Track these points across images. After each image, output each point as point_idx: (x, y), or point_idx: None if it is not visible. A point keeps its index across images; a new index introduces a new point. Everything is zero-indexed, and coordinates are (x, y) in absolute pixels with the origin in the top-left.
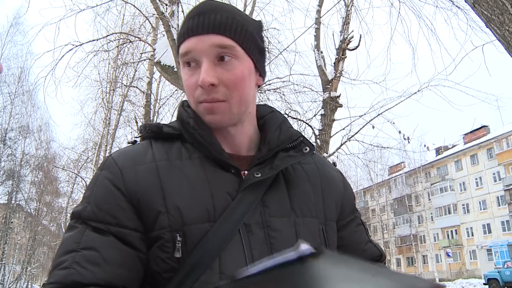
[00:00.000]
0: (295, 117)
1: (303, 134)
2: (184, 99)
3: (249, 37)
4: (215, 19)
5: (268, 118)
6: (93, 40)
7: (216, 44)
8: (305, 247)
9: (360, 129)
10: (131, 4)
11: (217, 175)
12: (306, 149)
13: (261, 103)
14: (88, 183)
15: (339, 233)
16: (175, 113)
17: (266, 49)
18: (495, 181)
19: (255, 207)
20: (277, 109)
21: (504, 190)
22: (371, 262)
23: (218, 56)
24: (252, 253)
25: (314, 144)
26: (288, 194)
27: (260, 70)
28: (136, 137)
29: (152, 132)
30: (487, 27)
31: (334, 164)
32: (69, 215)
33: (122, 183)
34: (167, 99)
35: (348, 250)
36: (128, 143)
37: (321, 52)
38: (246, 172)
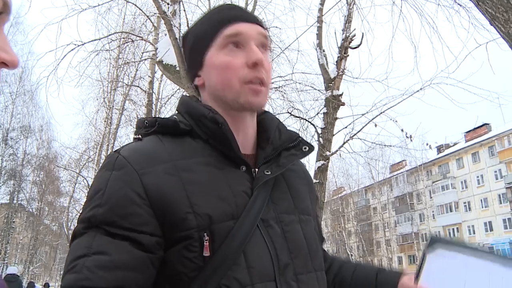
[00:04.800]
0: (297, 115)
1: (305, 132)
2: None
3: None
4: (254, 14)
5: (264, 119)
6: (95, 40)
7: (262, 33)
8: None
9: (363, 127)
10: (132, 3)
11: (233, 173)
12: (305, 148)
13: None
14: (91, 181)
15: None
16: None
17: None
18: (497, 179)
19: (267, 203)
20: (279, 108)
21: (506, 188)
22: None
23: (260, 44)
24: (274, 246)
25: (317, 142)
26: (290, 193)
27: None
28: (142, 133)
29: (165, 127)
30: (491, 24)
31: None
32: (70, 214)
33: (140, 185)
34: (169, 98)
35: None
36: (135, 138)
37: (323, 51)
38: (256, 170)
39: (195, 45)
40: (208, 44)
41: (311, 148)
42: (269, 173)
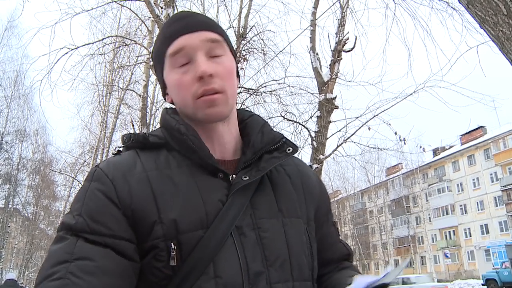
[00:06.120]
0: (291, 119)
1: (299, 136)
2: None
3: (228, 37)
4: (200, 19)
5: (248, 122)
6: (89, 44)
7: (207, 38)
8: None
9: (356, 130)
10: (127, 7)
11: (207, 181)
12: (289, 149)
13: (258, 105)
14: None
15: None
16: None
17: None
18: (493, 181)
19: (245, 209)
20: (273, 111)
21: (502, 190)
22: (341, 261)
23: (210, 50)
24: (245, 254)
25: (310, 146)
26: (275, 196)
27: (238, 71)
28: (120, 147)
29: (138, 142)
30: (481, 27)
31: (311, 166)
32: None
33: (115, 194)
34: (164, 102)
35: (320, 250)
36: (113, 153)
37: (317, 54)
38: (234, 176)
39: (155, 67)
40: (162, 64)
41: (295, 149)
42: (247, 178)
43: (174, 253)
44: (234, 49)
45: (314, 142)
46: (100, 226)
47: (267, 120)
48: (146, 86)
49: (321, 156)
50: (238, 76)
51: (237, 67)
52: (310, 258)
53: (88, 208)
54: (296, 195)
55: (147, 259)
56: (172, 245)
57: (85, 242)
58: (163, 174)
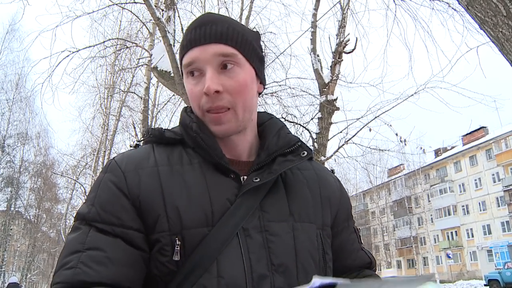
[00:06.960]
0: (292, 121)
1: (300, 137)
2: (182, 104)
3: (249, 45)
4: (216, 29)
5: (267, 125)
6: (90, 46)
7: (218, 53)
8: (317, 282)
9: (358, 132)
10: (128, 10)
11: (217, 180)
12: (303, 153)
13: (259, 107)
14: (88, 187)
15: (332, 240)
16: (173, 118)
17: (264, 56)
18: (495, 182)
19: (254, 211)
20: (274, 113)
21: (504, 190)
22: (362, 269)
23: (221, 64)
24: (249, 257)
25: (312, 147)
26: (287, 199)
27: (261, 78)
28: (139, 141)
29: (154, 137)
30: (481, 29)
31: (333, 171)
32: (68, 221)
33: (125, 185)
34: (165, 104)
35: (340, 258)
36: (131, 146)
37: (318, 56)
38: (245, 177)
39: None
40: (181, 71)
41: (310, 154)
42: (258, 180)
43: (178, 248)
44: (260, 52)
45: (315, 144)
46: (110, 216)
47: None
48: (147, 88)
49: (323, 158)
50: (262, 81)
51: (262, 72)
52: (323, 264)
53: (100, 198)
54: (312, 200)
55: (152, 252)
56: (177, 240)
57: (96, 231)
58: (173, 170)
